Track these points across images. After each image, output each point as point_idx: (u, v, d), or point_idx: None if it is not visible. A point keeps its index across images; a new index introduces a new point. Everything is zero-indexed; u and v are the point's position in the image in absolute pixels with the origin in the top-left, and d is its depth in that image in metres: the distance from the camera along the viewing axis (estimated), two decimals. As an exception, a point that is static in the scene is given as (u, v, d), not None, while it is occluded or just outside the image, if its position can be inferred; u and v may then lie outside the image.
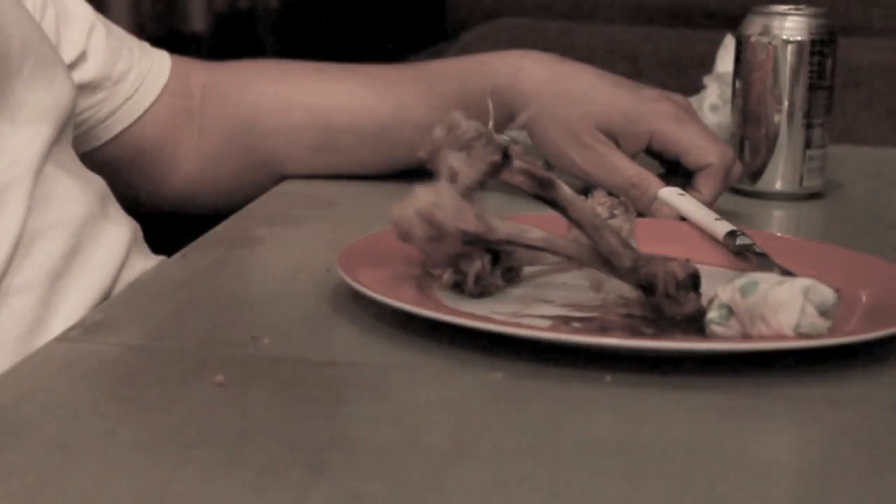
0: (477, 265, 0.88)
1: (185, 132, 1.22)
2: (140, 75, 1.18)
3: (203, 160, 1.22)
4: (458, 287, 0.88)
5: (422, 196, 0.84)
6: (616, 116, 1.11)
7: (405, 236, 0.85)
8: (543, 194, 0.87)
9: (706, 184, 1.10)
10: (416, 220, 0.84)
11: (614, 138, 1.11)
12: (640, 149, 1.12)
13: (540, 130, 1.14)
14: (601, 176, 1.09)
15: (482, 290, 0.88)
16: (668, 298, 0.84)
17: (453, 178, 0.85)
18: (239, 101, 1.22)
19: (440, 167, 0.86)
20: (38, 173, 1.00)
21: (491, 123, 0.88)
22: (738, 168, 1.13)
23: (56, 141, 1.03)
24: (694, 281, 0.84)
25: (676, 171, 1.13)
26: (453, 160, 0.85)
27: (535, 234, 0.87)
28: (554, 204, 0.87)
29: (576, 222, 0.88)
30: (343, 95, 1.21)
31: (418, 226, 0.84)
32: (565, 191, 0.87)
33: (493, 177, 0.86)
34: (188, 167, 1.22)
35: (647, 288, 0.85)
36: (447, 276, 0.89)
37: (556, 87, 1.13)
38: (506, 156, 0.86)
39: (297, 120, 1.21)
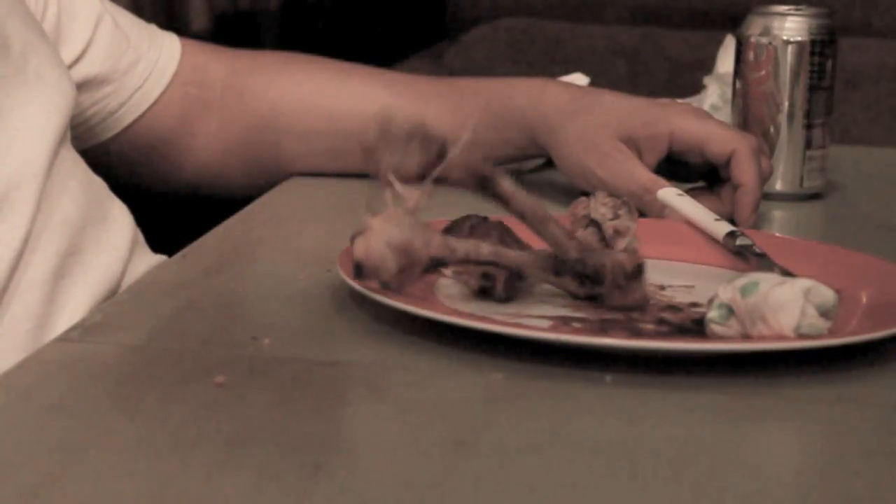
0: (506, 271, 0.87)
1: (201, 122, 1.22)
2: (148, 65, 1.18)
3: (219, 151, 1.23)
4: (484, 292, 0.88)
5: (381, 228, 0.83)
6: (634, 122, 1.11)
7: (374, 272, 0.83)
8: (483, 188, 0.86)
9: (742, 170, 1.08)
10: (387, 253, 0.82)
11: (636, 148, 1.11)
12: (662, 152, 1.11)
13: (560, 146, 1.14)
14: (617, 184, 1.09)
15: (510, 295, 0.88)
16: (617, 288, 0.87)
17: (398, 202, 0.84)
18: (260, 97, 1.22)
19: (378, 168, 0.84)
20: (48, 172, 1.01)
21: (468, 135, 0.88)
22: (768, 162, 1.12)
23: (62, 140, 1.04)
24: (639, 270, 0.88)
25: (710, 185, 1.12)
26: (396, 186, 0.84)
27: (486, 249, 0.86)
28: (496, 197, 0.86)
29: (518, 214, 0.87)
30: (365, 102, 1.21)
31: (391, 258, 0.83)
32: (506, 184, 0.86)
33: (431, 174, 0.84)
34: (203, 157, 1.23)
35: (593, 278, 0.86)
36: (474, 281, 0.88)
37: (577, 105, 1.14)
38: (441, 151, 0.85)
39: (315, 123, 1.21)
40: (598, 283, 0.87)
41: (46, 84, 1.03)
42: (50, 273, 0.99)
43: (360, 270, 0.83)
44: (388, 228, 0.83)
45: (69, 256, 1.01)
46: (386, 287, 0.83)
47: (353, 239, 0.83)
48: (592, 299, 0.89)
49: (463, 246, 0.85)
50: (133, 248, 1.06)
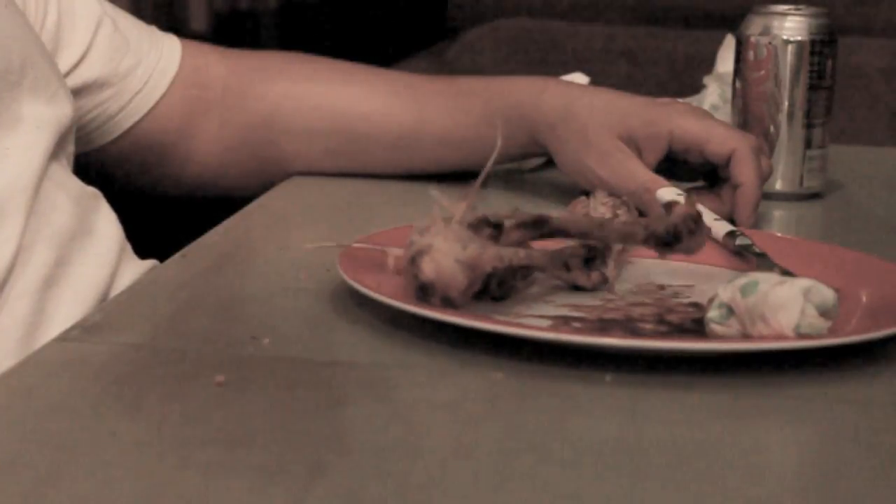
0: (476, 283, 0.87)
1: (202, 123, 1.22)
2: (148, 69, 1.18)
3: (220, 152, 1.23)
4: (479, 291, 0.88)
5: (445, 245, 0.82)
6: (634, 122, 1.11)
7: (445, 290, 0.82)
8: (543, 232, 0.88)
9: (742, 169, 1.08)
10: (458, 270, 0.82)
11: (636, 147, 1.11)
12: (662, 151, 1.11)
13: (560, 144, 1.14)
14: (617, 182, 1.09)
15: (504, 293, 0.88)
16: (691, 235, 0.90)
17: (448, 218, 0.84)
18: (261, 97, 1.22)
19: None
20: (38, 186, 1.01)
21: (499, 142, 0.89)
22: (767, 161, 1.12)
23: (54, 155, 1.04)
24: (698, 211, 0.92)
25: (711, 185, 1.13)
26: (442, 200, 0.84)
27: (522, 254, 0.87)
28: (554, 234, 0.88)
29: (580, 235, 0.89)
30: (366, 101, 1.21)
31: (461, 275, 0.82)
32: (556, 217, 0.88)
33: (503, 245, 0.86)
34: (205, 157, 1.23)
35: (672, 239, 0.89)
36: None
37: (577, 103, 1.14)
38: (497, 226, 0.86)
39: (316, 123, 1.21)
40: (678, 240, 0.90)
41: (39, 101, 1.04)
42: (40, 283, 0.99)
43: (426, 291, 0.83)
44: (451, 245, 0.82)
45: (58, 267, 1.01)
46: (451, 304, 0.83)
47: (412, 261, 0.83)
48: (594, 290, 0.91)
49: (507, 253, 0.85)
50: (120, 258, 1.06)
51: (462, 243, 0.83)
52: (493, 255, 0.84)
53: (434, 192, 0.84)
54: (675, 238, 0.90)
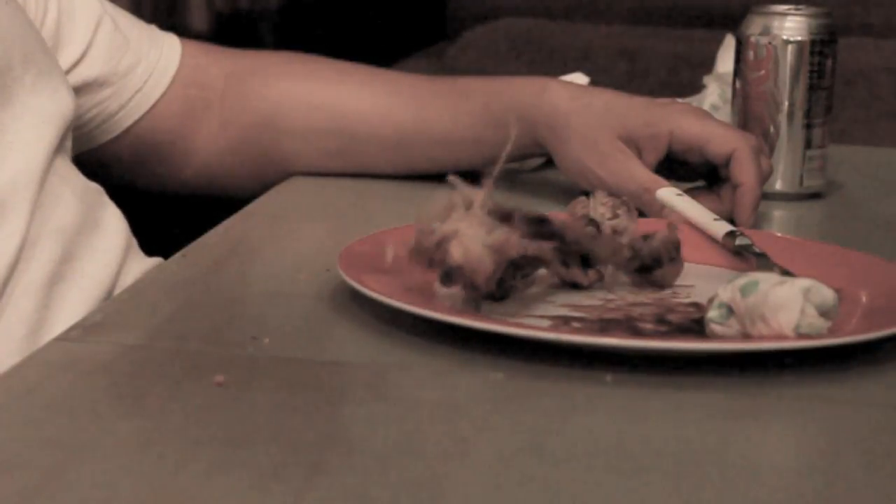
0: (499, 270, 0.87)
1: (202, 123, 1.22)
2: (148, 67, 1.18)
3: (219, 151, 1.23)
4: None
5: (471, 230, 0.82)
6: (635, 122, 1.11)
7: (472, 274, 0.82)
8: (543, 231, 0.88)
9: (742, 169, 1.08)
10: (485, 254, 0.82)
11: (636, 147, 1.11)
12: (662, 151, 1.11)
13: (561, 144, 1.14)
14: (617, 183, 1.09)
15: (504, 294, 0.88)
16: (671, 262, 0.92)
17: (468, 204, 0.84)
18: (262, 97, 1.22)
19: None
20: (43, 180, 1.01)
21: (512, 138, 0.90)
22: (767, 161, 1.12)
23: (57, 149, 1.04)
24: (678, 238, 0.94)
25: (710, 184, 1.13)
26: (461, 186, 0.84)
27: (534, 245, 0.87)
28: (552, 235, 0.88)
29: (573, 242, 0.89)
30: (365, 102, 1.21)
31: (488, 259, 0.82)
32: (557, 219, 0.89)
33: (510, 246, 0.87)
34: (204, 156, 1.23)
35: (652, 264, 0.92)
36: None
37: (577, 103, 1.14)
38: (507, 217, 0.86)
39: (317, 123, 1.21)
40: (658, 265, 0.92)
41: (42, 95, 1.04)
42: (45, 279, 0.99)
43: (451, 275, 0.82)
44: (476, 230, 0.82)
45: (63, 263, 1.01)
46: (474, 290, 0.83)
47: (439, 246, 0.83)
48: (591, 287, 0.91)
49: (523, 243, 0.86)
50: (126, 254, 1.06)
51: (487, 228, 0.83)
52: (518, 242, 0.84)
53: (452, 178, 0.84)
54: (656, 262, 0.91)
